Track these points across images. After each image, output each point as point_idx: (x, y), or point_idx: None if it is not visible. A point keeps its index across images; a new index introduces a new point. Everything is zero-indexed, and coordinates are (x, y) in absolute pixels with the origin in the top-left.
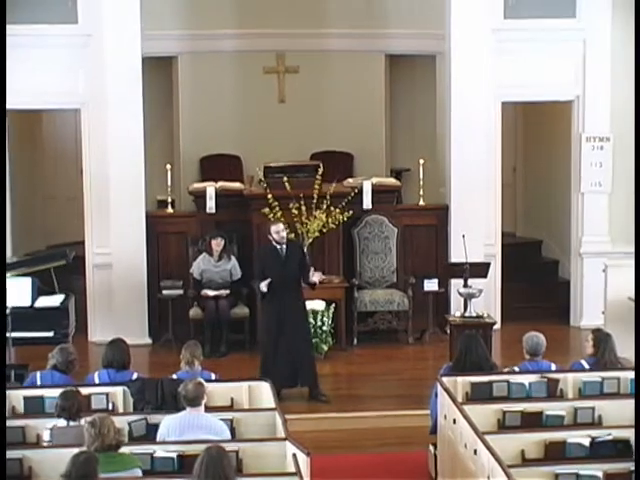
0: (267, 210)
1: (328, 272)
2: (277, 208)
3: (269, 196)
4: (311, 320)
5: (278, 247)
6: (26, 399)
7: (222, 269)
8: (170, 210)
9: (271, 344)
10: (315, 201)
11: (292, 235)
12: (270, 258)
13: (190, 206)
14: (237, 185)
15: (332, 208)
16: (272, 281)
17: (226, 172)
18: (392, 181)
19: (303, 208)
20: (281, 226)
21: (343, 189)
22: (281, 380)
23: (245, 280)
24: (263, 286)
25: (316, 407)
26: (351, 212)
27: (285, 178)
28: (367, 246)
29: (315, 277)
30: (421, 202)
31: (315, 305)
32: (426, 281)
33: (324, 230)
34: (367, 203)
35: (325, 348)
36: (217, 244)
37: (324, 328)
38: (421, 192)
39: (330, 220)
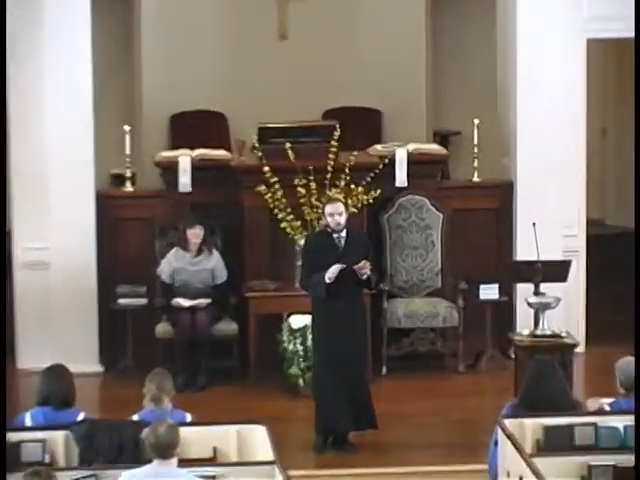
0: (263, 188)
1: None
2: (277, 186)
3: (266, 169)
4: (295, 345)
5: (335, 236)
6: None
7: (201, 269)
8: (129, 188)
9: (331, 378)
10: (329, 176)
11: (298, 222)
12: (322, 251)
13: (157, 183)
14: (221, 154)
15: (353, 186)
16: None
17: (206, 136)
18: (436, 148)
19: (313, 185)
20: (340, 207)
21: (368, 159)
22: (345, 425)
23: (233, 284)
24: (331, 272)
25: (329, 460)
26: (379, 191)
27: (288, 144)
28: (401, 238)
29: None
30: (476, 177)
31: (298, 320)
32: (482, 287)
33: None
34: (401, 179)
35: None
36: (194, 235)
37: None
38: (476, 164)
39: (350, 202)
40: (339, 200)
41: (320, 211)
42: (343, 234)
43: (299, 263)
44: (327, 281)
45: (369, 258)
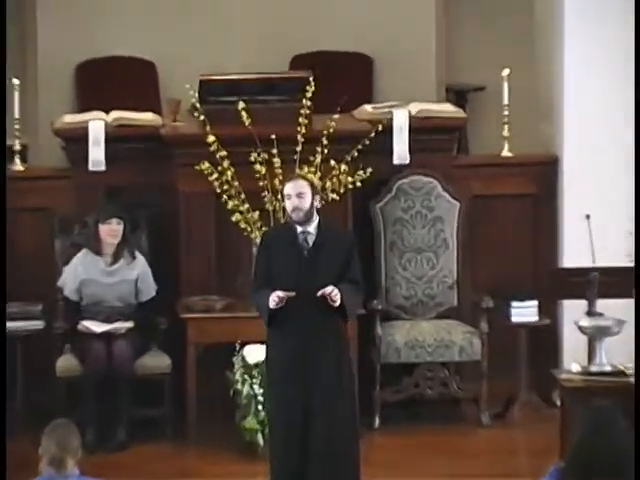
0: (207, 166)
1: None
2: (226, 162)
3: (210, 139)
4: (251, 387)
5: (299, 232)
6: None
7: (120, 281)
8: (18, 166)
9: (288, 439)
10: (300, 149)
11: (256, 213)
12: (280, 252)
13: (58, 158)
14: (148, 118)
15: (332, 162)
16: (286, 298)
17: (127, 93)
18: (449, 110)
19: (277, 162)
20: (302, 185)
21: (354, 126)
22: None
23: (164, 301)
24: (272, 300)
25: None
26: (369, 171)
27: (241, 104)
28: (400, 237)
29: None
30: (506, 151)
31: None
32: (515, 305)
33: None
34: (401, 153)
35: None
36: (110, 233)
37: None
38: (505, 132)
39: (329, 185)
40: (303, 177)
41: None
42: (311, 229)
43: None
44: (271, 305)
45: (351, 266)
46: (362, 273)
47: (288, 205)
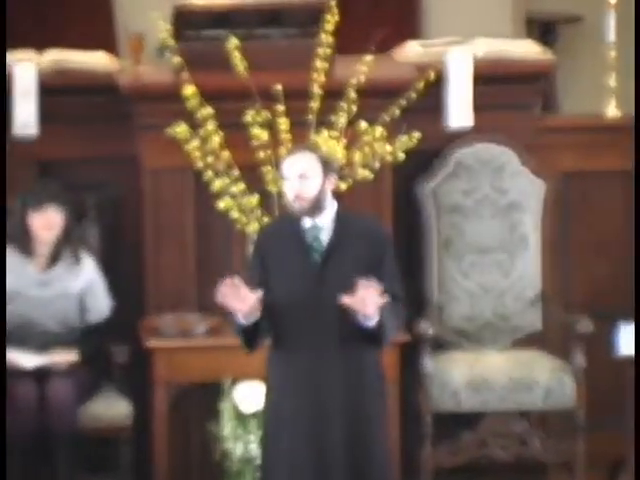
0: (182, 128)
1: None
2: (210, 125)
3: (188, 90)
4: (247, 446)
5: (307, 227)
6: None
7: (58, 294)
8: None
9: None
10: (317, 105)
11: (254, 197)
12: (282, 256)
13: None
14: (98, 59)
15: (364, 124)
16: (285, 315)
17: (68, 24)
18: (531, 50)
19: (283, 123)
20: (307, 158)
21: (394, 73)
22: None
23: (122, 323)
24: (241, 316)
25: None
26: (416, 136)
27: (233, 41)
28: (460, 231)
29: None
30: (612, 110)
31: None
32: (624, 329)
33: (341, 186)
34: (461, 111)
35: None
36: (45, 224)
37: None
38: (612, 81)
39: (358, 157)
40: (310, 148)
41: None
42: (324, 222)
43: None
44: (240, 322)
45: (385, 273)
46: (402, 284)
47: (287, 190)
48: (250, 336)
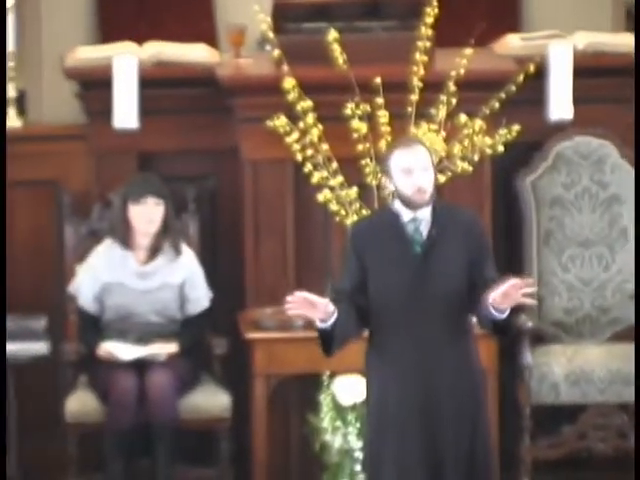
0: (282, 121)
1: None
2: (311, 117)
3: (288, 83)
4: (346, 438)
5: (406, 220)
6: None
7: (159, 285)
8: (14, 121)
9: None
10: (416, 97)
11: (353, 190)
12: (381, 251)
13: (69, 111)
14: (198, 52)
15: (463, 117)
16: (388, 309)
17: (169, 17)
18: (628, 44)
19: (383, 116)
20: (424, 154)
21: (494, 65)
22: None
23: (222, 314)
24: (318, 321)
25: None
26: (516, 129)
27: (333, 33)
28: (560, 224)
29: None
30: None
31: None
32: None
33: (439, 178)
34: (562, 104)
35: None
36: (146, 217)
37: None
38: None
39: (458, 150)
40: (420, 141)
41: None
42: (424, 215)
43: None
44: (319, 326)
45: (484, 260)
46: (498, 273)
47: (406, 184)
48: (327, 340)
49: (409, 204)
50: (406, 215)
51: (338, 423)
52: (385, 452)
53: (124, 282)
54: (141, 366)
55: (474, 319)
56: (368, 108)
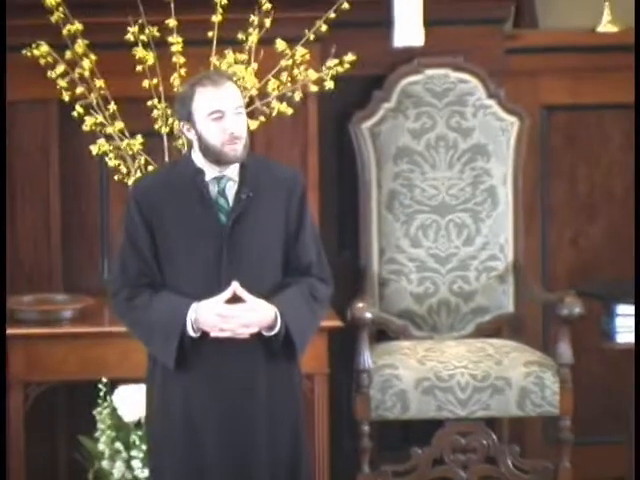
0: (44, 49)
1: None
2: (80, 43)
3: None
4: (128, 464)
5: (209, 177)
6: None
7: None
8: None
9: None
10: (218, 18)
11: (137, 139)
12: (177, 219)
13: None
14: None
15: (281, 43)
16: (185, 294)
17: None
18: None
19: (175, 42)
20: (238, 92)
21: None
22: None
23: None
24: (208, 323)
25: None
26: (350, 59)
27: None
28: (408, 183)
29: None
30: (605, 24)
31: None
32: (620, 311)
33: (250, 123)
34: (408, 26)
35: None
36: None
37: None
38: None
39: (274, 86)
40: (227, 76)
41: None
42: (231, 173)
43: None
44: (191, 334)
45: (300, 240)
46: (330, 252)
47: (215, 132)
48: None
49: (219, 158)
50: (208, 173)
51: (118, 445)
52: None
53: None
54: None
55: None
56: (156, 32)
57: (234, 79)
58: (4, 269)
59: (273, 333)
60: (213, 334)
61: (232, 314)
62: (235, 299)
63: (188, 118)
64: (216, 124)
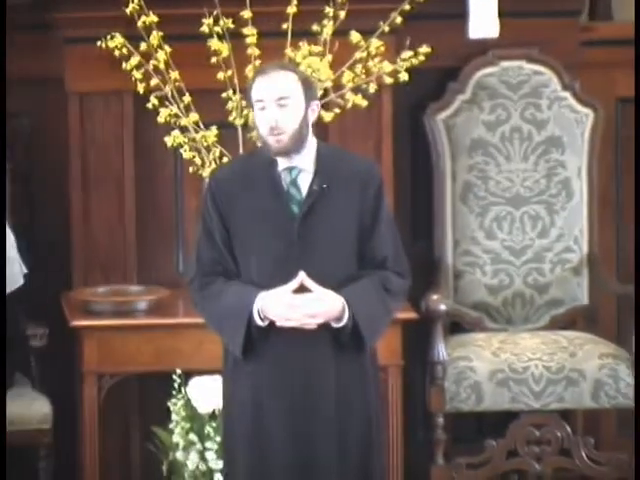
0: (118, 40)
1: None
2: (155, 35)
3: None
4: (202, 456)
5: (281, 167)
6: None
7: None
8: None
9: None
10: (293, 10)
11: (212, 131)
12: (250, 209)
13: None
14: None
15: (355, 35)
16: (257, 286)
17: None
18: None
19: (250, 33)
20: (286, 82)
21: None
22: None
23: (41, 294)
24: (273, 311)
25: None
26: (425, 50)
27: None
28: (483, 175)
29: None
30: None
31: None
32: None
33: (325, 116)
34: (484, 18)
35: None
36: None
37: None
38: None
39: (348, 78)
40: (286, 66)
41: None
42: (305, 164)
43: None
44: (258, 323)
45: (376, 232)
46: (404, 243)
47: (260, 122)
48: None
49: (267, 148)
50: (282, 163)
51: (193, 437)
52: (241, 471)
53: None
54: None
55: None
56: (231, 24)
57: (296, 71)
58: (4, 269)
59: (341, 325)
60: (279, 323)
61: (298, 303)
62: (303, 290)
63: (252, 107)
64: (261, 113)
